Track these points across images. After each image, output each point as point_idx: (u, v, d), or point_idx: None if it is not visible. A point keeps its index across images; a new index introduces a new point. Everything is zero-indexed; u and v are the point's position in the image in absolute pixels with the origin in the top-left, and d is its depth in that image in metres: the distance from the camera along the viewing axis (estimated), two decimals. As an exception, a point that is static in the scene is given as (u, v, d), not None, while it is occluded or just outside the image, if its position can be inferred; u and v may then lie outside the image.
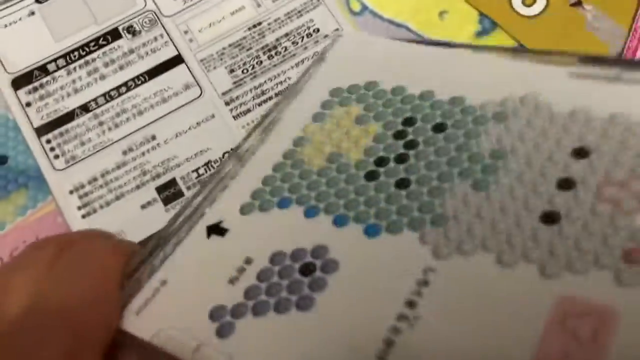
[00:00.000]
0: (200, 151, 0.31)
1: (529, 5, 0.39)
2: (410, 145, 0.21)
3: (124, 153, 0.31)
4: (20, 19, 0.33)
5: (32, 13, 0.33)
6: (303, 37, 0.32)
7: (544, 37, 0.39)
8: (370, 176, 0.21)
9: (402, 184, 0.20)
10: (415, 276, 0.17)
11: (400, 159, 0.21)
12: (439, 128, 0.21)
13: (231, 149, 0.29)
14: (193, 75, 0.32)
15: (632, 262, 0.16)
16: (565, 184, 0.18)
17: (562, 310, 0.16)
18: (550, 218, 0.18)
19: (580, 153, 0.18)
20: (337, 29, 0.33)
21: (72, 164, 0.31)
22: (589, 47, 0.39)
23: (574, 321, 0.15)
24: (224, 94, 0.32)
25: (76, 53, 0.32)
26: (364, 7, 0.36)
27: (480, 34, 0.37)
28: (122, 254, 0.20)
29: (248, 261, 0.20)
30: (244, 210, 0.21)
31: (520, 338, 0.15)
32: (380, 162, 0.21)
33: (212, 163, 0.31)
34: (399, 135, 0.21)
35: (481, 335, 0.16)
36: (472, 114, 0.21)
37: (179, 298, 0.20)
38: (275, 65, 0.32)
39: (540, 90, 0.21)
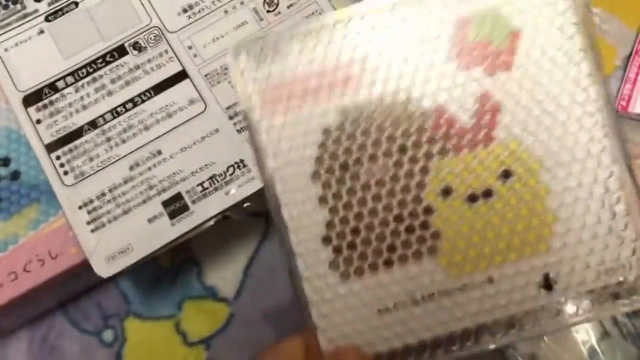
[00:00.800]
0: (205, 165, 0.31)
1: (535, 10, 0.38)
2: None
3: (131, 168, 0.31)
4: (30, 37, 0.34)
5: (42, 32, 0.34)
6: (305, 50, 0.33)
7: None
8: None
9: None
10: None
11: None
12: None
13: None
14: (197, 90, 0.32)
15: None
16: None
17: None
18: None
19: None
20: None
21: (81, 180, 0.31)
22: (597, 50, 0.39)
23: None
24: (227, 108, 0.32)
25: (84, 70, 0.33)
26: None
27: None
28: None
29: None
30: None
31: None
32: None
33: (217, 177, 0.31)
34: None
35: None
36: None
37: None
38: (278, 79, 0.32)
39: None
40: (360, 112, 0.28)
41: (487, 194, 0.28)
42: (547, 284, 0.27)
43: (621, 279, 0.27)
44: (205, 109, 0.32)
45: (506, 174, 0.28)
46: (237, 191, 0.31)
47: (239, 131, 0.32)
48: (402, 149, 0.28)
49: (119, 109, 0.32)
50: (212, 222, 0.31)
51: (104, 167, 0.32)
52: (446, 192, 0.28)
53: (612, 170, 0.27)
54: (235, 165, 0.31)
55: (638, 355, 0.34)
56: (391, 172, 0.28)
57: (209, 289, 0.37)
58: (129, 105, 0.32)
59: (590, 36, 0.28)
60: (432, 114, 0.28)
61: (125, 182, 0.31)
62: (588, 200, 0.27)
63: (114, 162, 0.32)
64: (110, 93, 0.33)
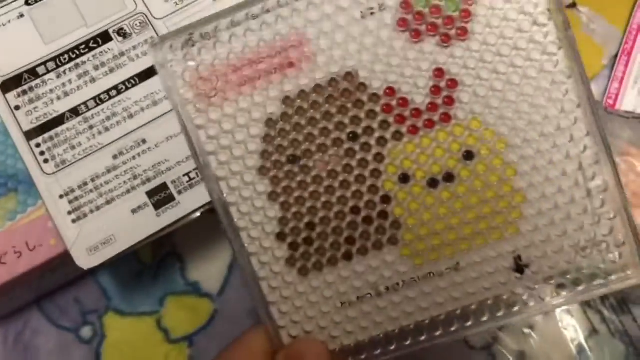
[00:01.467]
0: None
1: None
2: None
3: (115, 157, 0.30)
4: (9, 21, 0.32)
5: (22, 15, 0.32)
6: (295, 40, 0.32)
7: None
8: None
9: None
10: None
11: None
12: None
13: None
14: (184, 78, 0.32)
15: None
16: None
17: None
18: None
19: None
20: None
21: (62, 168, 0.30)
22: (584, 50, 0.39)
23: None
24: (215, 97, 0.31)
25: (66, 56, 0.32)
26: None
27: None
28: None
29: None
30: None
31: None
32: None
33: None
34: None
35: None
36: None
37: None
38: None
39: None
40: (304, 99, 0.26)
41: (449, 178, 0.26)
42: (519, 267, 0.26)
43: (598, 259, 0.26)
44: (192, 97, 0.31)
45: (468, 156, 0.26)
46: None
47: (227, 121, 0.31)
48: (353, 137, 0.26)
49: (102, 97, 0.31)
50: (198, 214, 0.30)
51: (86, 156, 0.30)
52: (404, 178, 0.26)
53: (586, 143, 0.26)
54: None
55: (626, 352, 0.34)
56: (343, 161, 0.26)
57: (192, 285, 0.36)
58: (113, 92, 0.31)
59: None
60: (382, 96, 0.26)
61: (109, 171, 0.30)
62: (560, 179, 0.26)
63: (96, 151, 0.30)
64: (93, 80, 0.31)
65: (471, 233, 0.26)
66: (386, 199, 0.26)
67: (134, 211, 0.30)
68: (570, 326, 0.35)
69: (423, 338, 0.26)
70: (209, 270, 0.36)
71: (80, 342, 0.36)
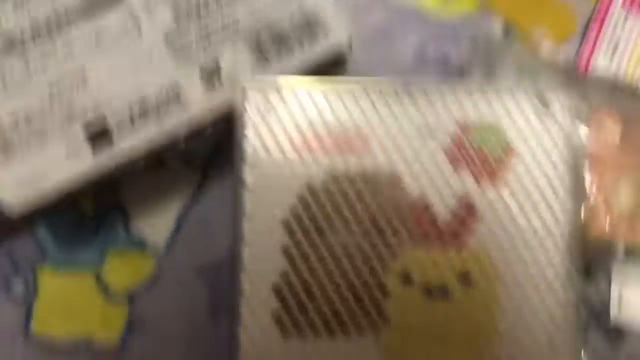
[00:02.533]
0: (136, 90, 0.28)
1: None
2: None
3: (50, 89, 0.28)
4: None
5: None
6: (253, -24, 0.30)
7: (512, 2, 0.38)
8: None
9: None
10: None
11: None
12: None
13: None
14: (132, 11, 0.29)
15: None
16: None
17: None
18: None
19: None
20: None
21: (-9, 102, 0.28)
22: (558, 15, 0.38)
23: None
24: (165, 33, 0.29)
25: (1, -18, 0.29)
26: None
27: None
28: None
29: None
30: None
31: None
32: None
33: (148, 104, 0.28)
34: None
35: None
36: None
37: None
38: (222, 7, 0.29)
39: None
40: (350, 181, 0.28)
41: (444, 292, 0.28)
42: None
43: None
44: (139, 31, 0.29)
45: (466, 280, 0.28)
46: (171, 124, 0.28)
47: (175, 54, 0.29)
48: (380, 231, 0.28)
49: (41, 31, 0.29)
50: (142, 163, 0.28)
51: (18, 87, 0.28)
52: (406, 280, 0.28)
53: (559, 297, 0.28)
54: (170, 93, 0.28)
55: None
56: (360, 242, 0.28)
57: (136, 240, 0.34)
58: (53, 25, 0.29)
59: (578, 167, 0.29)
60: (416, 207, 0.28)
61: (43, 104, 0.28)
62: (531, 323, 0.28)
63: (30, 82, 0.28)
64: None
65: (449, 349, 0.28)
66: (384, 291, 0.28)
67: (68, 151, 0.27)
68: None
69: None
70: (154, 226, 0.34)
71: (10, 300, 0.33)
